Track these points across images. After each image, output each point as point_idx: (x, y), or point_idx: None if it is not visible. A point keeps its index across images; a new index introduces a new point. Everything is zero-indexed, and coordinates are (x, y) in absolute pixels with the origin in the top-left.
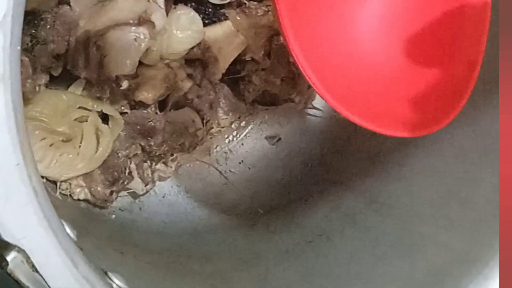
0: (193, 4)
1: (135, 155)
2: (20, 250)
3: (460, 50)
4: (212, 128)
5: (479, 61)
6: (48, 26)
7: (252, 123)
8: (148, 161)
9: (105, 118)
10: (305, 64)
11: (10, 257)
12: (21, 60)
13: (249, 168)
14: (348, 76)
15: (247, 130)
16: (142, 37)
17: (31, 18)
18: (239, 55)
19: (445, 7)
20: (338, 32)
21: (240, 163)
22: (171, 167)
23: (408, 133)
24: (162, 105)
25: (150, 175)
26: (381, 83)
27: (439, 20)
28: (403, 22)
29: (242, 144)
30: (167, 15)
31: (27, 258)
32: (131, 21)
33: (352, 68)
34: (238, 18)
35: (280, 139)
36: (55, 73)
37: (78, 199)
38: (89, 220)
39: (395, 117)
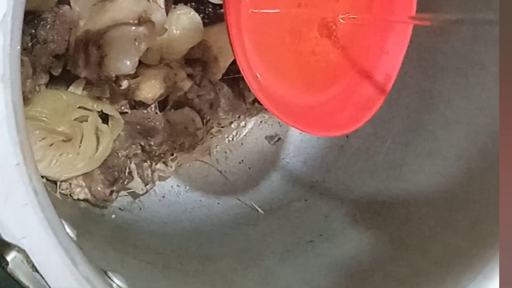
0: (193, 4)
1: (135, 155)
2: (20, 250)
3: (382, 63)
4: (212, 127)
5: (394, 75)
6: (48, 26)
7: (252, 123)
8: (148, 161)
9: (105, 118)
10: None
11: (10, 257)
12: (21, 60)
13: (249, 168)
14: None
15: (247, 130)
16: (142, 37)
17: (31, 18)
18: None
19: (375, 28)
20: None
21: (240, 163)
22: (171, 167)
23: (331, 134)
24: (162, 105)
25: (150, 175)
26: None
27: (370, 36)
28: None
29: (242, 144)
30: (167, 15)
31: (27, 258)
32: (131, 21)
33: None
34: None
35: (280, 139)
36: (55, 73)
37: (78, 199)
38: (89, 220)
39: (321, 121)
